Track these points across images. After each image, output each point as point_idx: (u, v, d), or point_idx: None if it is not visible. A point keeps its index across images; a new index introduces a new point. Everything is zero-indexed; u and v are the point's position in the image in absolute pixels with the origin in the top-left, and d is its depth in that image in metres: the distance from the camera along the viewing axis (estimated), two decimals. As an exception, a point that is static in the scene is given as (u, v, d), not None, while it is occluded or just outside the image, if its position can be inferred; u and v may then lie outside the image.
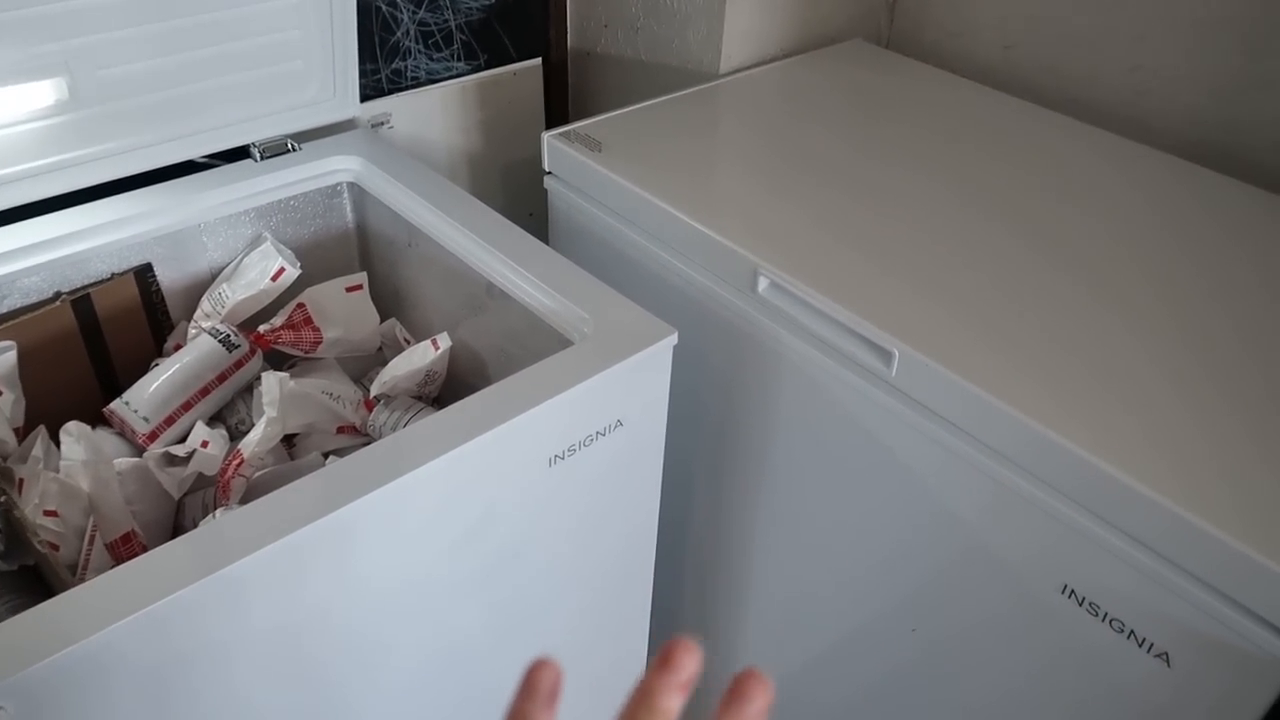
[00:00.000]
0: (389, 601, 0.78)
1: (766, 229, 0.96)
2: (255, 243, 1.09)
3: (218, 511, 0.85)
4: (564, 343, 0.90)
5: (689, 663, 0.32)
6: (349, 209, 1.16)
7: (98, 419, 1.01)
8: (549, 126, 1.42)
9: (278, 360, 1.12)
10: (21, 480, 0.90)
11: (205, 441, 0.93)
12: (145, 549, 0.86)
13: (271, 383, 0.90)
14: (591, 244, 1.10)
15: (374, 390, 1.05)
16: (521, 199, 1.45)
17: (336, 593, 0.73)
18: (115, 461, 0.90)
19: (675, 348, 0.87)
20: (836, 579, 1.03)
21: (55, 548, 0.88)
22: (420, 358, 1.03)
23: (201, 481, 0.97)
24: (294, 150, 1.13)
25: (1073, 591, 0.77)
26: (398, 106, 1.26)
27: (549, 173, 1.13)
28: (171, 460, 0.95)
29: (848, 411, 0.90)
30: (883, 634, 0.98)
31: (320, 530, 0.68)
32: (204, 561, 0.64)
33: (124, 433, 0.98)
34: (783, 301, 0.91)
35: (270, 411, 0.88)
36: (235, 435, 1.03)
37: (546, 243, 1.00)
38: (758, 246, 0.93)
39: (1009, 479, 0.78)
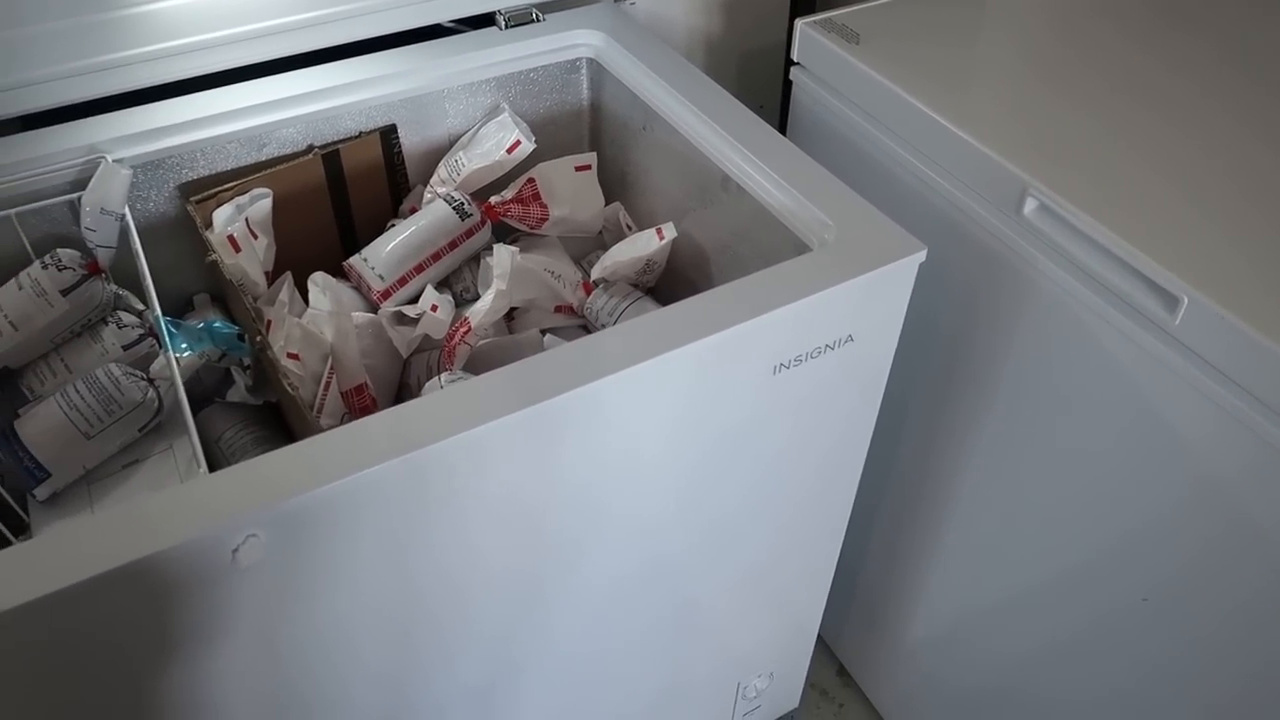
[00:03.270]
0: (594, 493, 0.78)
1: (1040, 143, 0.87)
2: (493, 113, 1.08)
3: (442, 376, 0.87)
4: (799, 246, 0.86)
5: None
6: (585, 86, 1.13)
7: (336, 271, 1.06)
8: (794, 14, 1.34)
9: (500, 234, 1.13)
10: (270, 322, 0.95)
11: (434, 305, 0.95)
12: (374, 401, 0.90)
13: (503, 255, 0.90)
14: (835, 144, 1.03)
15: (594, 274, 1.04)
16: (753, 90, 1.38)
17: (558, 470, 0.74)
18: (353, 315, 0.94)
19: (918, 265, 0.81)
20: (1053, 536, 0.96)
21: (295, 388, 0.94)
22: (643, 246, 1.02)
23: (427, 343, 0.99)
24: (538, 20, 1.11)
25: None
26: (643, -19, 1.21)
27: (796, 63, 1.06)
28: (401, 319, 0.98)
29: (1111, 359, 0.81)
30: (1103, 599, 0.92)
31: (559, 405, 0.68)
32: (454, 420, 0.65)
33: (360, 287, 1.01)
34: (1051, 227, 0.82)
35: (500, 284, 0.89)
36: (460, 302, 1.05)
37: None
38: (1028, 162, 0.84)
39: (1297, 455, 0.69)
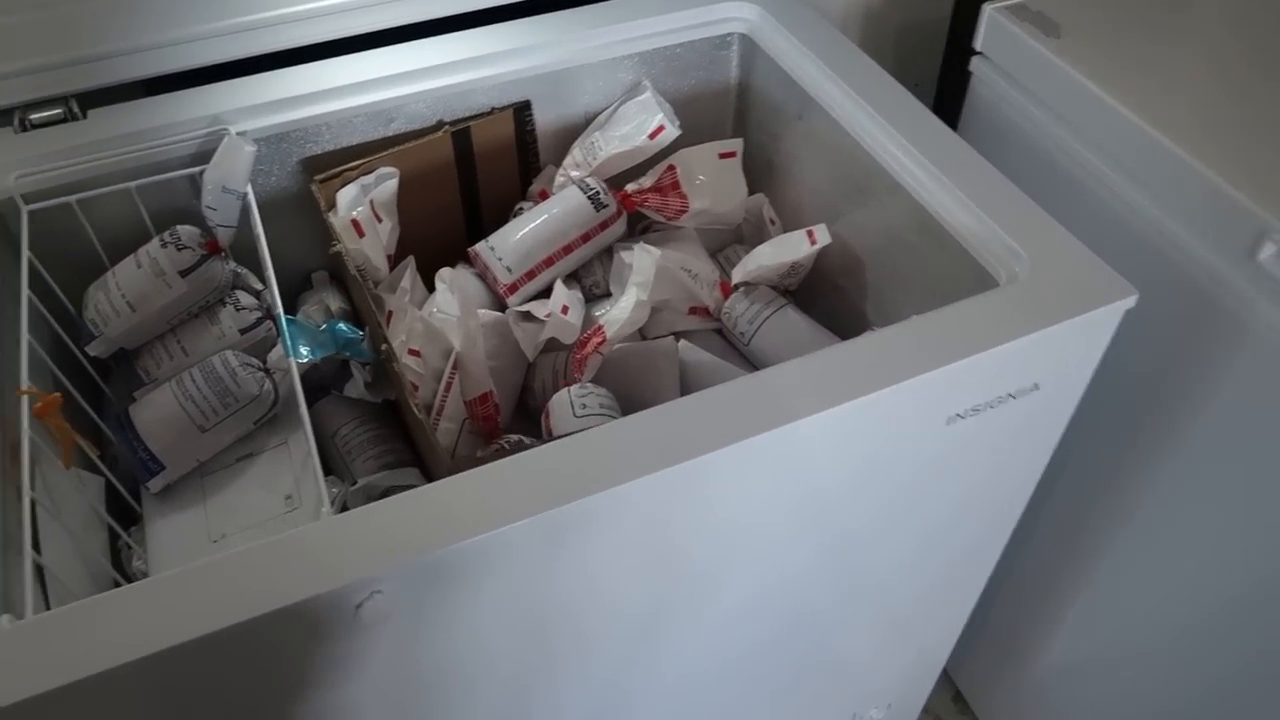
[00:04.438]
0: (736, 542, 0.72)
1: None
2: (633, 91, 1.00)
3: (573, 392, 0.81)
4: (982, 277, 0.76)
5: None
6: (735, 64, 1.03)
7: (459, 254, 0.99)
8: (965, -14, 1.20)
9: (632, 222, 1.05)
10: (390, 313, 0.90)
11: (565, 306, 0.88)
12: (499, 409, 0.84)
13: (645, 260, 0.83)
14: (1019, 153, 0.92)
15: (736, 276, 0.95)
16: (909, 66, 1.26)
17: (703, 521, 0.67)
18: (481, 316, 0.88)
19: (1121, 307, 0.71)
20: (1220, 583, 0.85)
21: (415, 387, 0.88)
22: (791, 249, 0.93)
23: (554, 343, 0.93)
24: (683, -12, 1.01)
25: None
26: (802, -55, 1.09)
27: (978, 53, 0.95)
28: (528, 318, 0.91)
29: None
30: (1262, 652, 0.81)
31: (716, 458, 0.61)
32: (603, 473, 0.59)
33: (485, 277, 0.95)
34: (1292, 278, 0.71)
35: (640, 293, 0.81)
36: (590, 298, 0.98)
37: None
38: (1270, 199, 0.72)
39: None
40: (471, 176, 0.98)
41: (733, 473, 0.64)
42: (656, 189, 0.97)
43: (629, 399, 0.86)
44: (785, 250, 0.93)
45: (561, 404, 0.81)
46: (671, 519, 0.66)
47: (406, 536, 0.56)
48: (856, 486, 0.72)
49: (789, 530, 0.73)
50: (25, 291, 0.76)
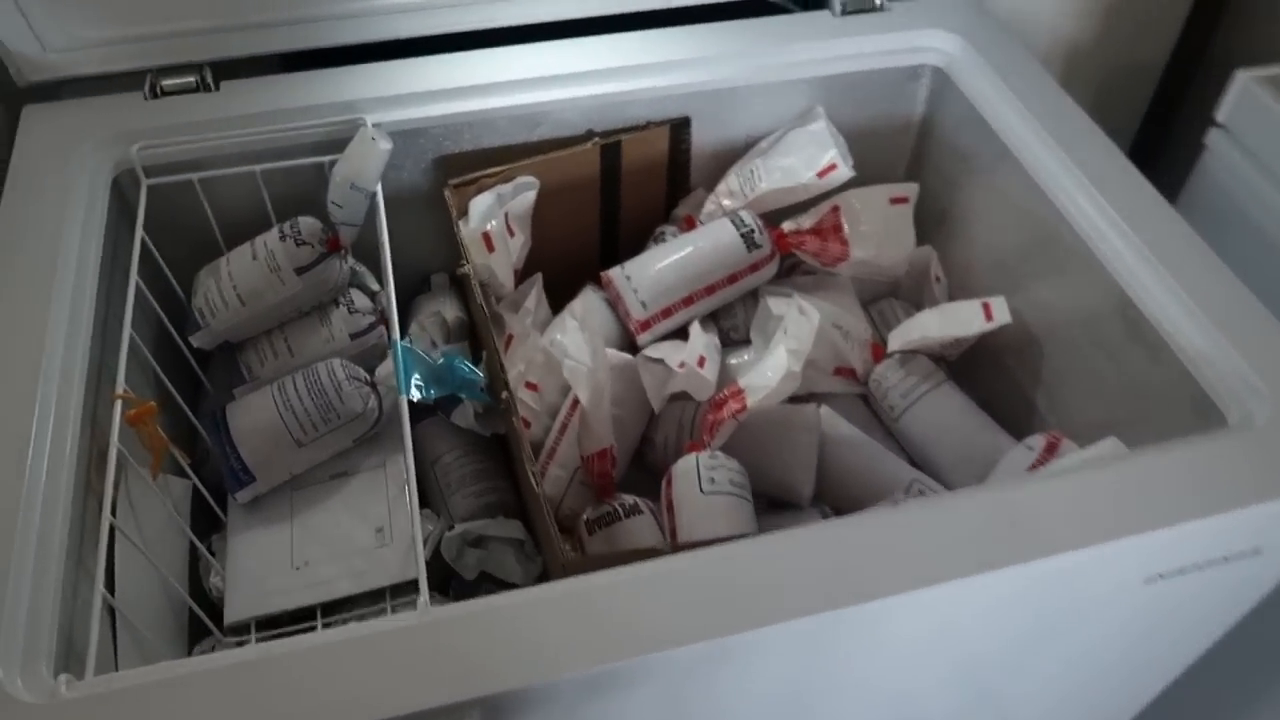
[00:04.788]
0: (873, 687, 0.62)
1: None
2: (805, 118, 0.89)
3: (700, 461, 0.72)
4: (1206, 408, 0.64)
5: None
6: (922, 99, 0.92)
7: (590, 274, 0.91)
8: (1189, 36, 1.06)
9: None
10: (511, 337, 0.82)
11: (702, 358, 0.79)
12: (615, 461, 0.75)
13: (803, 328, 0.73)
14: (1255, 247, 0.79)
15: (893, 343, 0.85)
16: (1106, 111, 1.12)
17: (838, 671, 0.58)
18: (609, 353, 0.79)
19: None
20: None
21: (527, 424, 0.81)
22: (961, 323, 0.82)
23: (682, 392, 0.84)
24: (881, 8, 0.89)
25: None
26: (1013, -31, 0.96)
27: (1218, 124, 0.81)
28: (657, 360, 0.83)
29: None
30: None
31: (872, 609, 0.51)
32: (736, 614, 0.50)
33: (615, 305, 0.86)
34: None
35: (793, 364, 0.72)
36: (726, 341, 0.88)
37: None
38: None
39: None
40: (614, 192, 0.89)
41: (869, 631, 0.55)
42: (816, 231, 0.87)
43: (758, 468, 0.78)
44: (954, 323, 0.82)
45: (687, 474, 0.72)
46: (803, 673, 0.57)
47: (510, 657, 0.48)
48: (1023, 644, 0.62)
49: (930, 683, 0.63)
50: (135, 276, 0.71)
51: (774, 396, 0.73)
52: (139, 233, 0.73)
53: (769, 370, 0.74)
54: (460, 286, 0.92)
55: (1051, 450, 0.75)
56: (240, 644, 0.72)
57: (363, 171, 0.75)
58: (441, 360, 0.68)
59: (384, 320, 0.82)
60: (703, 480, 0.72)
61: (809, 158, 0.86)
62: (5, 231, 0.70)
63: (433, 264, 0.93)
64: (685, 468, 0.73)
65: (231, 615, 0.72)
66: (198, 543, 0.72)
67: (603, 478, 0.75)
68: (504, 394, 0.68)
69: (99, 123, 0.76)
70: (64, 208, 0.71)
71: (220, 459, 0.75)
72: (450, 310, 0.90)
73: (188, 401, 0.86)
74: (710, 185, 0.91)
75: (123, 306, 0.69)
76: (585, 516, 0.75)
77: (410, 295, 0.94)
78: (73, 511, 0.59)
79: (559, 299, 0.90)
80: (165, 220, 0.77)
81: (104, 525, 0.58)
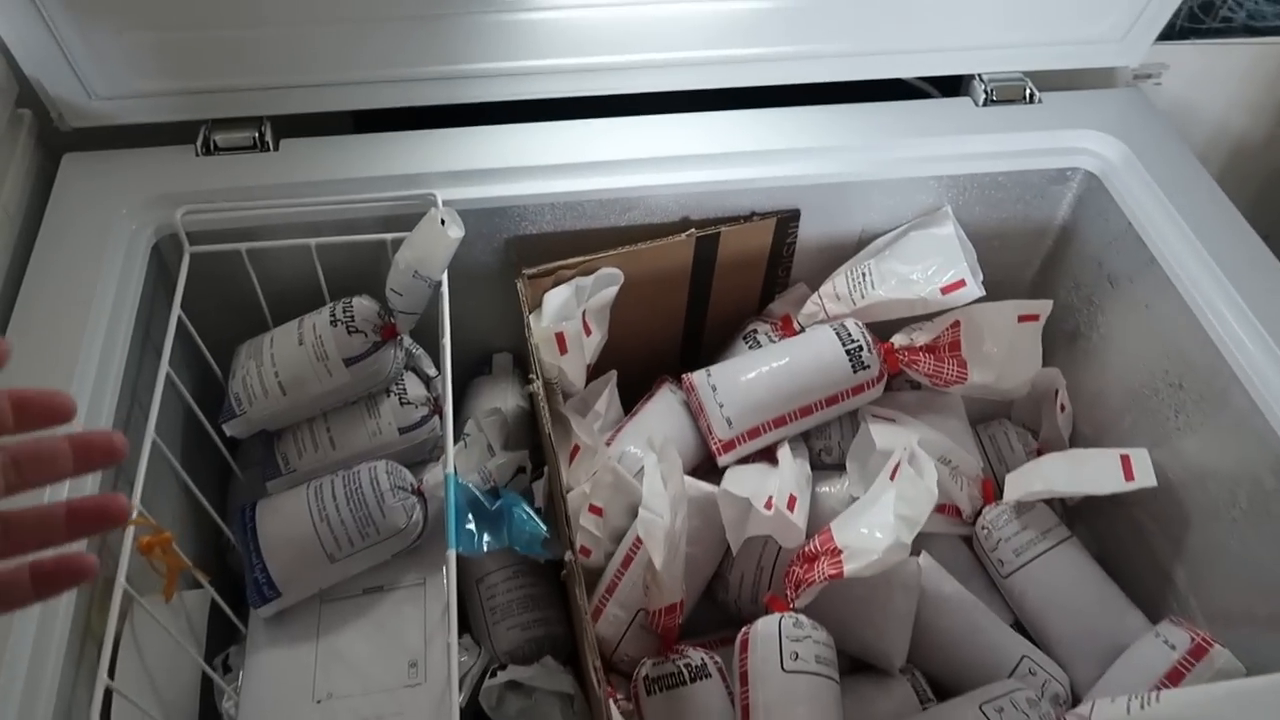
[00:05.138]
0: None
1: None
2: (930, 220, 0.78)
3: (785, 623, 0.62)
4: None
5: None
6: (1066, 204, 0.80)
7: (669, 366, 0.82)
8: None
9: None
10: (577, 448, 0.73)
11: (793, 499, 0.69)
12: (681, 606, 0.66)
13: (919, 494, 0.62)
14: None
15: (1010, 491, 0.74)
16: (1262, 213, 0.99)
17: None
18: (686, 481, 0.70)
19: None
20: None
21: (586, 552, 0.72)
22: (1097, 479, 0.71)
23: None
24: (1030, 100, 0.78)
25: None
26: (1183, 58, 0.84)
27: None
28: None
29: None
30: None
31: None
32: None
33: (696, 417, 0.77)
34: None
35: (904, 535, 0.61)
36: (817, 463, 0.78)
37: None
38: None
39: None
40: (705, 284, 0.79)
41: None
42: (931, 349, 0.76)
43: (844, 626, 0.68)
44: (1085, 478, 0.71)
45: (767, 642, 0.63)
46: None
47: None
48: None
49: None
50: (165, 366, 0.62)
51: (875, 568, 0.62)
52: (175, 311, 0.65)
53: (875, 531, 0.64)
54: (524, 365, 0.83)
55: (1198, 656, 0.64)
56: (250, 786, 0.65)
57: (428, 260, 0.66)
58: (500, 503, 0.59)
59: (438, 411, 0.74)
60: (785, 654, 0.62)
61: (932, 268, 0.75)
62: (29, 295, 0.63)
63: (496, 341, 0.84)
64: (766, 633, 0.63)
65: (243, 754, 0.64)
66: (210, 672, 0.64)
67: (668, 631, 0.66)
68: (567, 538, 0.59)
69: (144, 179, 0.69)
70: (96, 273, 0.64)
71: (245, 566, 0.68)
72: (511, 400, 0.81)
73: (216, 485, 0.78)
74: (814, 280, 0.81)
75: (149, 397, 0.61)
76: (644, 673, 0.65)
77: (470, 374, 0.85)
78: (65, 658, 0.51)
79: (633, 392, 0.81)
80: (208, 288, 0.69)
81: (99, 686, 0.50)
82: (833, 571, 0.64)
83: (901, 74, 0.76)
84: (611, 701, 0.65)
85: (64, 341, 0.60)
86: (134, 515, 0.56)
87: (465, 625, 0.74)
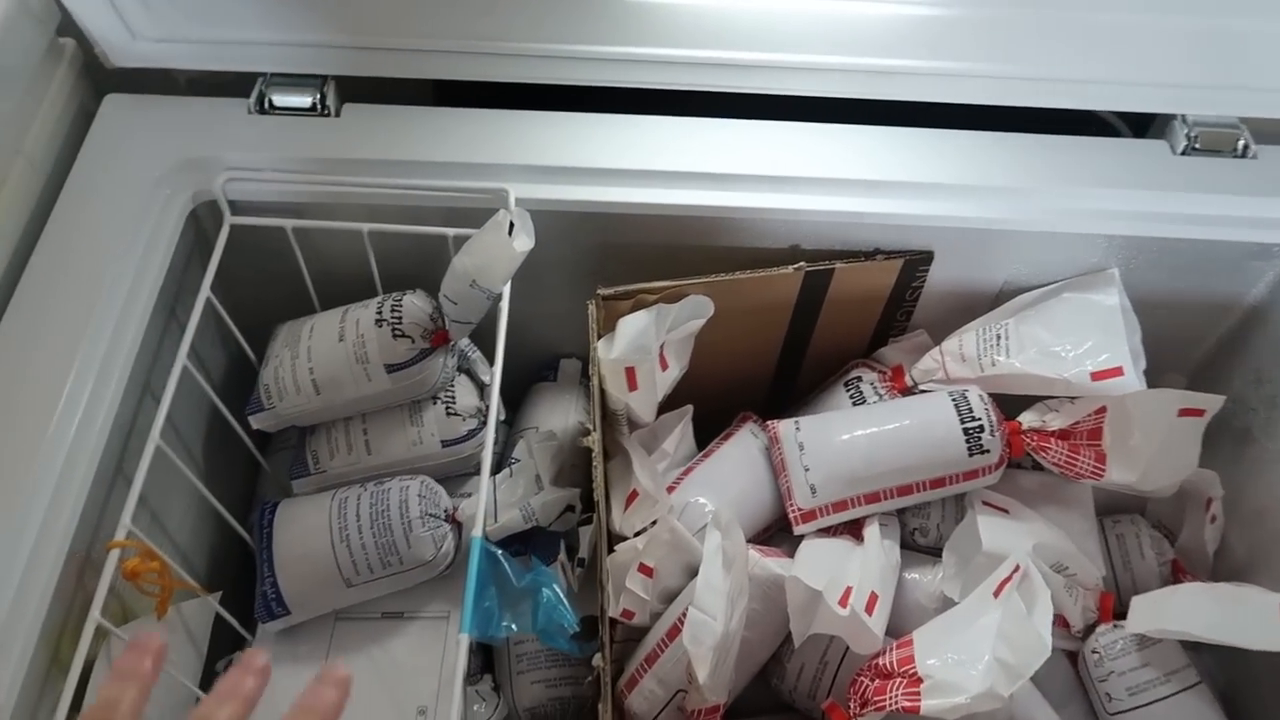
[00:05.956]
0: None
1: None
2: (1091, 283, 0.65)
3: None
4: None
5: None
6: (1265, 284, 0.66)
7: (752, 402, 0.72)
8: None
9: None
10: (635, 494, 0.64)
11: (873, 599, 0.59)
12: (723, 711, 0.57)
13: (1030, 640, 0.51)
14: None
15: (1135, 622, 0.63)
16: None
17: None
18: (750, 559, 0.60)
19: None
20: None
21: (629, 615, 0.63)
22: (1252, 628, 0.59)
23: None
24: (1244, 154, 0.63)
25: None
26: None
27: None
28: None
29: None
30: None
31: None
32: None
33: (776, 474, 0.67)
34: None
35: (1002, 687, 0.51)
36: (909, 543, 0.68)
37: None
38: None
39: None
40: (809, 321, 0.68)
41: None
42: (1067, 435, 0.64)
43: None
44: (1235, 626, 0.59)
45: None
46: None
47: None
48: None
49: None
50: (186, 348, 0.55)
51: (960, 713, 0.52)
52: (206, 284, 0.58)
53: (967, 666, 0.53)
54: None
55: None
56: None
57: (488, 271, 0.56)
58: (528, 580, 0.51)
59: (485, 420, 0.66)
60: None
61: (1085, 345, 0.62)
62: (43, 255, 0.56)
63: (564, 345, 0.76)
64: (826, 752, 0.55)
65: (227, 784, 0.59)
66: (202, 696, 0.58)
67: (707, 731, 0.57)
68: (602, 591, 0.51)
69: (189, 133, 0.61)
70: (124, 236, 0.57)
71: (257, 574, 0.62)
72: (573, 415, 0.73)
73: (246, 471, 0.72)
74: (936, 330, 0.69)
75: (166, 381, 0.54)
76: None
77: (533, 378, 0.77)
78: (22, 691, 0.45)
79: (711, 422, 0.71)
80: (247, 261, 0.62)
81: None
82: (908, 704, 0.54)
83: (1089, 105, 0.63)
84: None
85: (74, 313, 0.54)
86: (121, 535, 0.49)
87: (488, 664, 0.68)
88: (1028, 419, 0.66)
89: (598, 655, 0.52)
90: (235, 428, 0.64)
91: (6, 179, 0.57)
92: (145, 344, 0.56)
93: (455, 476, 0.68)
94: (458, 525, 0.62)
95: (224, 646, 0.63)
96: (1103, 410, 0.64)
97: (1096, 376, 0.61)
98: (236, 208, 0.60)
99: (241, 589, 0.64)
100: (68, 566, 0.48)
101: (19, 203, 0.58)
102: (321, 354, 0.62)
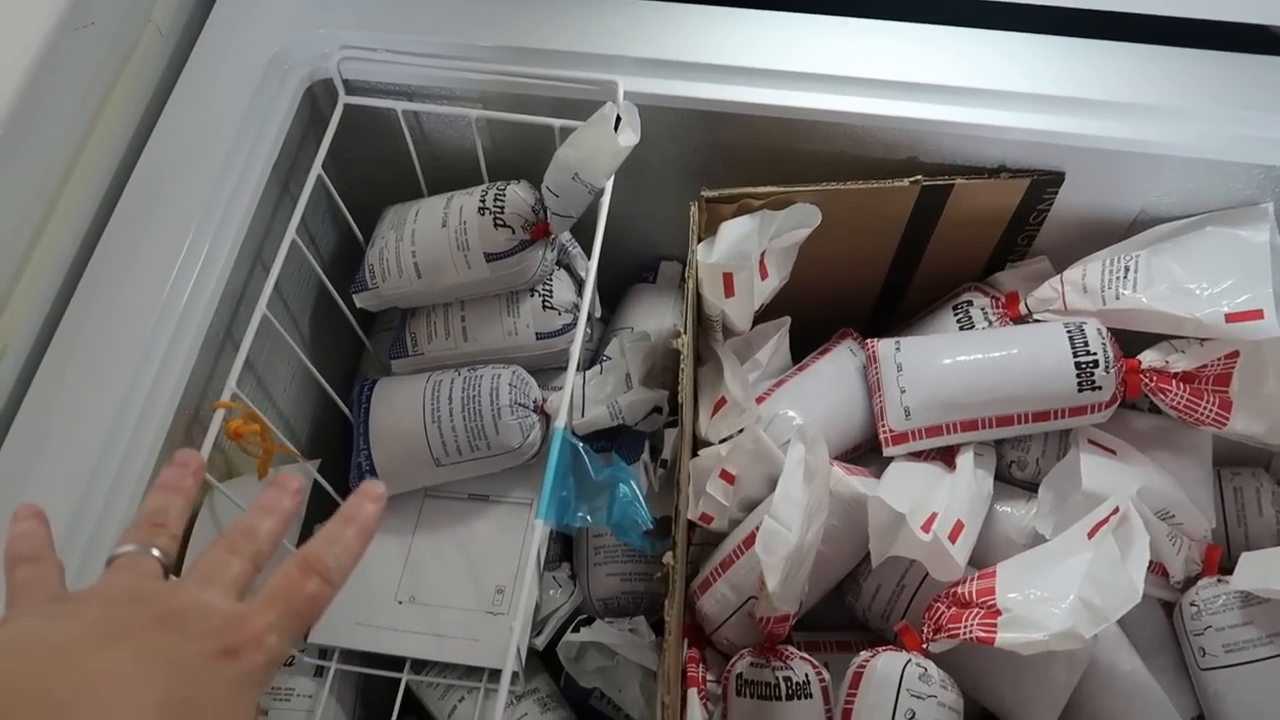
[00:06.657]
0: None
1: None
2: (1237, 218, 0.60)
3: (908, 671, 0.53)
4: None
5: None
6: None
7: (853, 317, 0.70)
8: None
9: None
10: (723, 401, 0.63)
11: (959, 526, 0.58)
12: (792, 620, 0.57)
13: (1120, 581, 0.49)
14: None
15: (1240, 577, 0.59)
16: None
17: None
18: (834, 475, 0.59)
19: None
20: None
21: (708, 519, 0.63)
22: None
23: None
24: None
25: None
26: None
27: None
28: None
29: None
30: None
31: None
32: None
33: (871, 390, 0.65)
34: None
35: (1084, 628, 0.49)
36: (1004, 476, 0.66)
37: None
38: None
39: None
40: (922, 237, 0.65)
41: None
42: (1190, 378, 0.60)
43: (982, 679, 0.59)
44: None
45: (883, 688, 0.54)
46: None
47: None
48: None
49: None
50: (298, 217, 0.57)
51: (1036, 649, 0.51)
52: (318, 163, 0.59)
53: (1049, 604, 0.52)
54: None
55: None
56: (320, 669, 0.64)
57: (591, 164, 0.56)
58: (606, 474, 0.51)
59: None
60: (899, 709, 0.54)
61: (1223, 284, 0.58)
62: (172, 112, 0.58)
63: (666, 246, 0.75)
64: (884, 676, 0.54)
65: (317, 636, 0.62)
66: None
67: (773, 638, 0.58)
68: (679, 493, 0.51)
69: (309, 9, 0.61)
70: (242, 107, 0.58)
71: (353, 445, 0.64)
72: (669, 318, 0.72)
73: (352, 347, 0.75)
74: (1059, 258, 0.65)
75: (276, 254, 0.56)
76: (740, 669, 0.58)
77: (634, 278, 0.76)
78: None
79: (809, 336, 0.70)
80: (360, 142, 0.63)
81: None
82: (983, 635, 0.52)
83: (1265, 19, 0.57)
84: (696, 692, 0.59)
85: (192, 181, 0.56)
86: (226, 397, 0.52)
87: (566, 552, 0.69)
88: (1148, 358, 0.62)
89: (669, 554, 0.52)
90: (340, 305, 0.66)
91: (137, 45, 0.59)
92: (258, 215, 0.58)
93: (548, 370, 0.69)
94: (546, 416, 0.63)
95: (320, 515, 0.67)
96: (1235, 355, 0.60)
97: (1232, 318, 0.57)
98: (351, 87, 0.61)
99: (339, 461, 0.66)
100: (176, 422, 0.51)
101: (148, 69, 0.60)
102: (425, 238, 0.63)
